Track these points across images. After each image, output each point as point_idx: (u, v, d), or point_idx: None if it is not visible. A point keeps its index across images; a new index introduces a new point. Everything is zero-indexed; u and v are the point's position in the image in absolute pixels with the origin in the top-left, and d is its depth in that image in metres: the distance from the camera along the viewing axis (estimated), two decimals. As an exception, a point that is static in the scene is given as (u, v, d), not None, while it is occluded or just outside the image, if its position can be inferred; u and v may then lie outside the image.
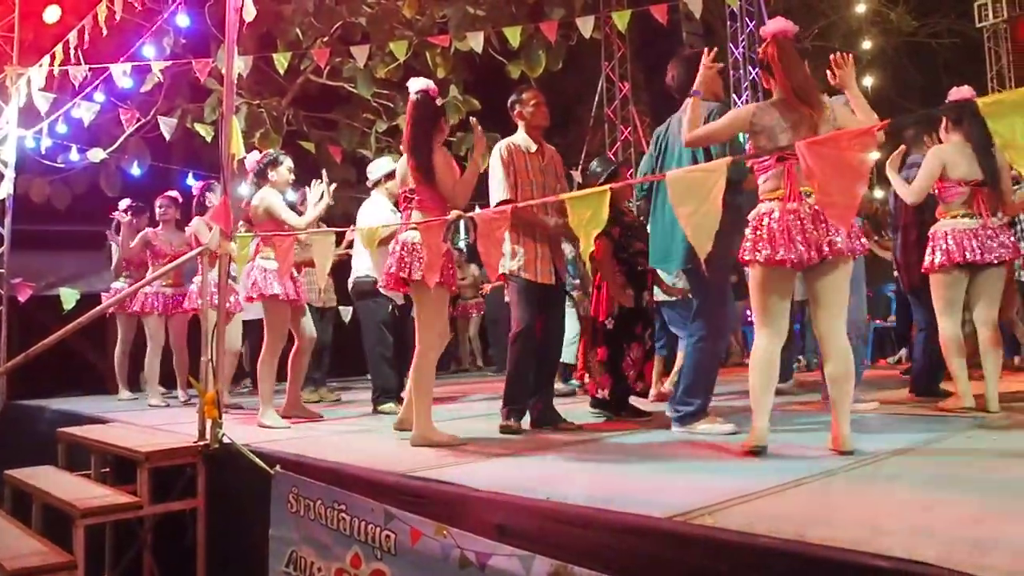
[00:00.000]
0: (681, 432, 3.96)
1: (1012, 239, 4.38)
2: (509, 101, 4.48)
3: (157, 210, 6.71)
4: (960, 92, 4.38)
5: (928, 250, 4.46)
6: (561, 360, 6.07)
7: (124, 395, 6.94)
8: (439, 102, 4.10)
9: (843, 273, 3.26)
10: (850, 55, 3.41)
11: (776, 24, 3.37)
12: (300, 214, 5.00)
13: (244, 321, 6.51)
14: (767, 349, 3.31)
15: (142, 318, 6.62)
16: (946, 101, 4.44)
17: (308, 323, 5.35)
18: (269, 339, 4.95)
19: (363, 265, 5.73)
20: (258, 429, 4.64)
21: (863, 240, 3.28)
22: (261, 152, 5.43)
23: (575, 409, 4.99)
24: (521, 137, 4.41)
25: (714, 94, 3.93)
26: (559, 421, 4.30)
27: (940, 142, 4.58)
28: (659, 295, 5.63)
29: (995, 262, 4.29)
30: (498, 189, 4.25)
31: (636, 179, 4.50)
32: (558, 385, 6.21)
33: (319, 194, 5.01)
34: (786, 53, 3.32)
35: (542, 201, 4.07)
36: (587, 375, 4.70)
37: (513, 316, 4.31)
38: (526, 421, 4.30)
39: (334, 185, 5.13)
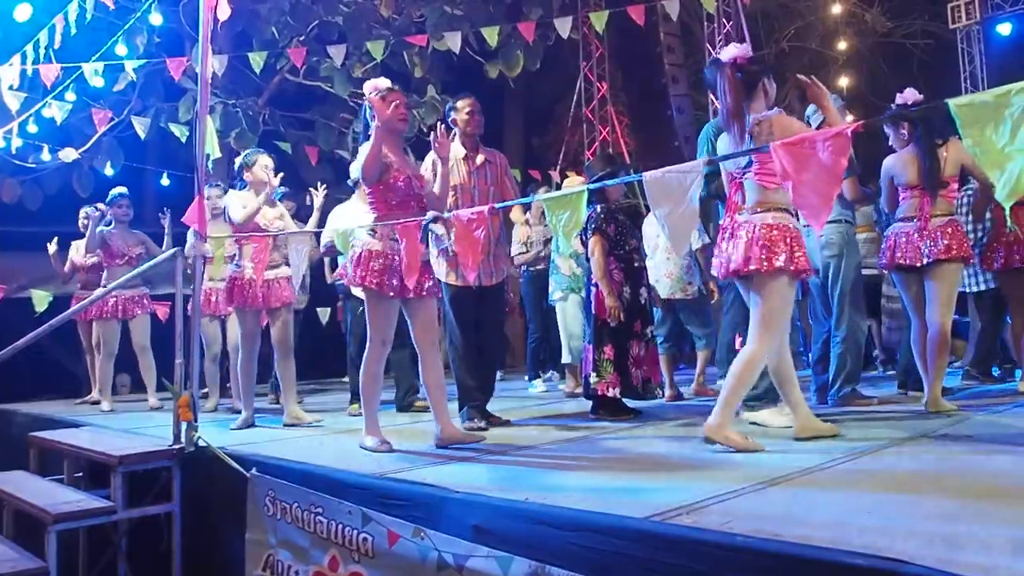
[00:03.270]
0: (745, 415, 4.03)
1: (951, 240, 4.40)
2: (446, 107, 4.68)
3: (116, 209, 6.53)
4: (906, 96, 4.45)
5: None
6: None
7: (94, 396, 6.83)
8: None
9: (753, 288, 3.41)
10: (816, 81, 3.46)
11: (726, 51, 3.51)
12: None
13: None
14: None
15: (97, 323, 6.44)
16: (893, 105, 4.52)
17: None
18: (247, 344, 4.95)
19: None
20: (234, 432, 4.61)
21: (774, 261, 3.30)
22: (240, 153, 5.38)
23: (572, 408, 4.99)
24: (453, 144, 4.52)
25: None
26: (488, 416, 4.47)
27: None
28: (675, 293, 5.66)
29: (928, 263, 4.36)
30: None
31: (617, 180, 4.52)
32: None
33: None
34: (725, 83, 3.44)
35: (541, 198, 4.20)
36: (595, 375, 4.64)
37: (447, 322, 4.57)
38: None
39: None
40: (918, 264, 4.38)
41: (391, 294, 3.68)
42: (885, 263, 4.58)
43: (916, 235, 4.39)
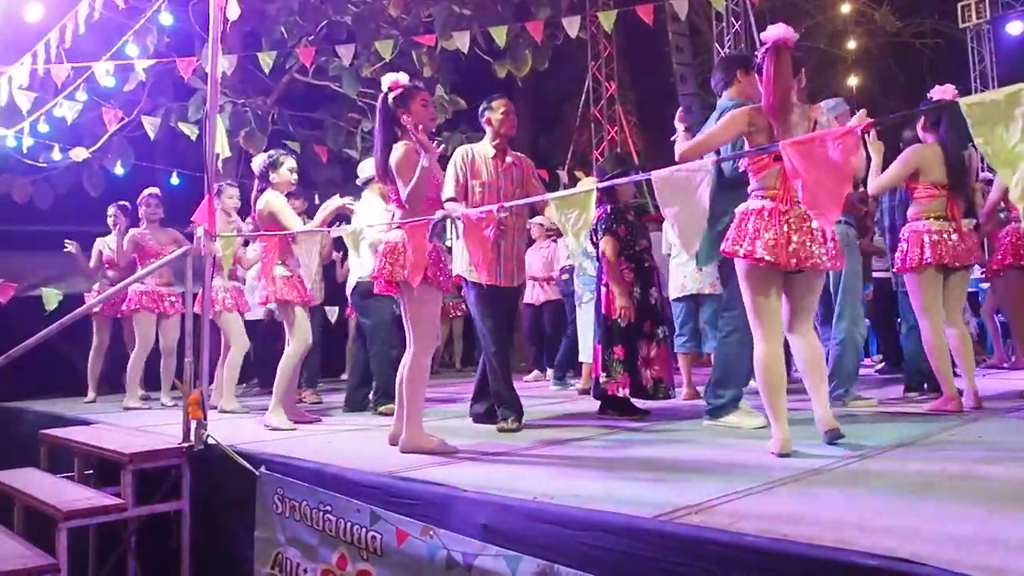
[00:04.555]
0: (709, 423, 4.09)
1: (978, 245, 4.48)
2: (480, 107, 4.59)
3: (144, 209, 6.57)
4: (943, 91, 4.34)
5: (899, 251, 4.49)
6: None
7: (90, 396, 6.87)
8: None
9: (819, 282, 3.37)
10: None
11: (776, 31, 3.30)
12: None
13: (248, 321, 6.49)
14: (768, 352, 3.27)
15: (132, 318, 6.46)
16: (927, 99, 4.45)
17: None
18: (294, 342, 4.87)
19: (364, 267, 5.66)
20: (244, 430, 4.62)
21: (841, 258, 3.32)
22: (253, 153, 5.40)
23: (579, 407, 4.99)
24: (482, 143, 4.55)
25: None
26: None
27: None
28: (703, 288, 5.63)
29: (963, 266, 4.37)
30: (445, 189, 4.32)
31: (627, 179, 4.51)
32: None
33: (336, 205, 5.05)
34: (781, 63, 3.25)
35: (550, 196, 3.94)
36: (605, 375, 4.65)
37: (476, 318, 4.46)
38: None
39: (348, 199, 5.13)
40: (956, 265, 4.33)
41: (437, 287, 3.71)
42: (930, 260, 4.30)
43: (955, 236, 4.34)
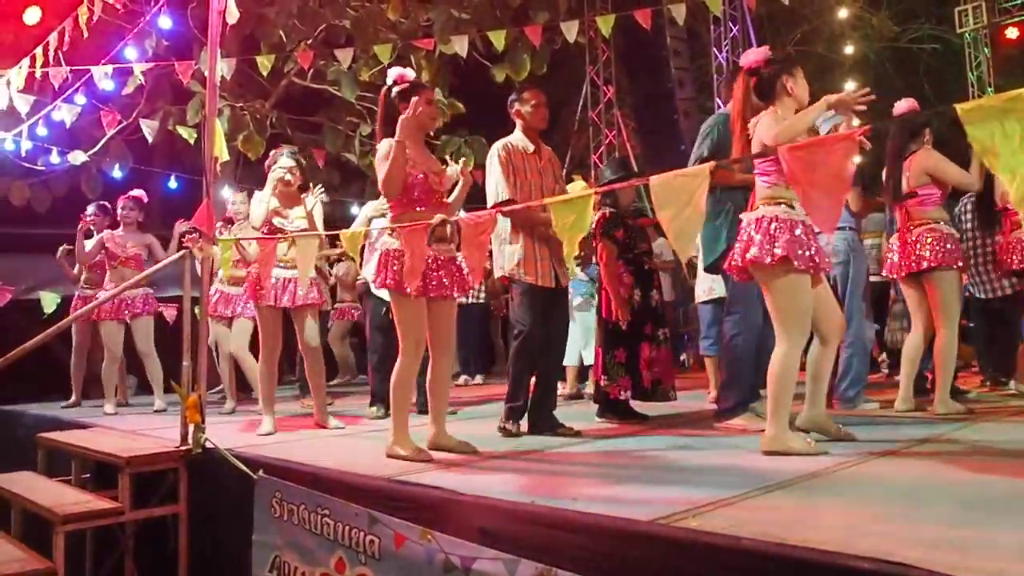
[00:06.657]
0: (718, 425, 4.14)
1: (932, 248, 4.41)
2: (509, 100, 4.43)
3: (119, 211, 6.55)
4: (900, 106, 4.58)
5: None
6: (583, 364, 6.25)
7: (72, 399, 6.79)
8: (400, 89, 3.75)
9: (760, 282, 3.42)
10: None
11: (744, 57, 3.61)
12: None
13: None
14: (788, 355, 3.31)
15: (100, 327, 6.38)
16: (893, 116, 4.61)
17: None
18: (262, 346, 4.86)
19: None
20: (241, 434, 4.62)
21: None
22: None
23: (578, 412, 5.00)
24: (518, 137, 4.37)
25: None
26: (557, 426, 4.21)
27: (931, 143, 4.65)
28: (719, 292, 5.59)
29: (922, 271, 4.43)
30: (499, 189, 4.18)
31: (620, 184, 4.52)
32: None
33: (312, 204, 4.82)
34: (739, 89, 3.56)
35: (547, 201, 3.69)
36: (607, 378, 4.65)
37: (514, 318, 4.27)
38: (524, 425, 4.26)
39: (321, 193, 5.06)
40: (903, 274, 4.50)
41: (413, 293, 3.54)
42: (885, 272, 4.71)
43: (901, 246, 4.52)
